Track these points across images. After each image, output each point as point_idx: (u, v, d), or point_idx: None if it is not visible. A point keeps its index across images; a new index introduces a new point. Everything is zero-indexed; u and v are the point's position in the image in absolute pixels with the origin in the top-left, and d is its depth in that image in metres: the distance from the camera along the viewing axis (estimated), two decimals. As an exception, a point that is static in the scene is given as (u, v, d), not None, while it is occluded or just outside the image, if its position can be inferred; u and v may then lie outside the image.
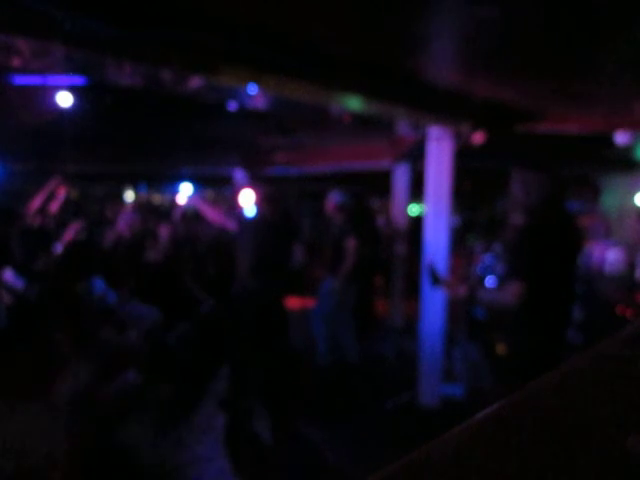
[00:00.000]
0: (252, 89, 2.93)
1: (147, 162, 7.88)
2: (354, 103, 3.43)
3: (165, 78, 2.72)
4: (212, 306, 4.78)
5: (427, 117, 3.98)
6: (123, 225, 4.71)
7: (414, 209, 8.45)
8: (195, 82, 2.79)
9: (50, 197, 4.38)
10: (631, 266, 4.75)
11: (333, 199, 4.95)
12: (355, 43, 2.76)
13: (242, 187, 5.12)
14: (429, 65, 3.25)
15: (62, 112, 3.58)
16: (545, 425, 0.38)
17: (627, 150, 4.74)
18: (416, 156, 5.00)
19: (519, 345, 2.71)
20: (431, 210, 4.18)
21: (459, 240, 6.04)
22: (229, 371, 4.23)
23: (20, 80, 3.04)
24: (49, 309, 2.84)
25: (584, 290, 4.53)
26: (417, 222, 5.17)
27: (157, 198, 12.05)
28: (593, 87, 3.36)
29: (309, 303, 5.79)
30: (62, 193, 4.51)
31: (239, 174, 5.72)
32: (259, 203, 4.26)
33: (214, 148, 6.61)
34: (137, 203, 9.22)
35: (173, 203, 9.74)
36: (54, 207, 4.52)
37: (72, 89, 3.41)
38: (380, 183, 6.89)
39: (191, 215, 6.06)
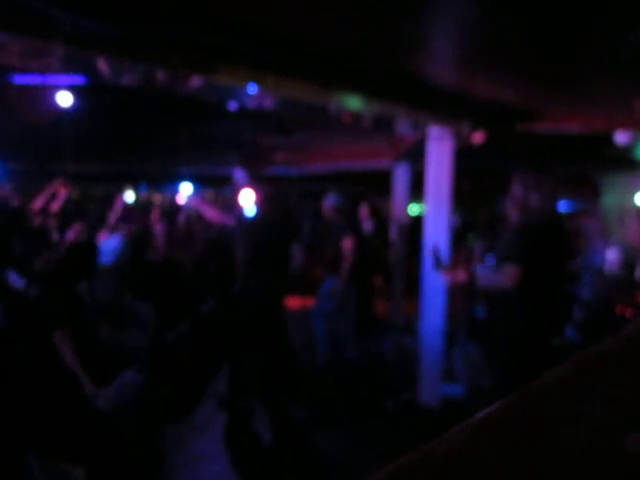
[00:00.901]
0: (252, 89, 2.93)
1: (147, 162, 7.88)
2: (354, 103, 3.43)
3: (165, 78, 2.72)
4: (212, 306, 4.78)
5: (427, 117, 3.98)
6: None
7: (414, 209, 8.45)
8: (195, 82, 2.79)
9: (51, 197, 4.38)
10: (631, 266, 4.75)
11: (329, 201, 4.97)
12: (355, 43, 2.76)
13: (242, 187, 5.12)
14: (429, 65, 3.25)
15: (62, 112, 3.58)
16: (545, 425, 0.38)
17: (627, 150, 4.73)
18: (416, 156, 5.00)
19: (512, 328, 2.83)
20: (431, 210, 4.18)
21: (459, 240, 6.03)
22: (229, 371, 4.22)
23: (20, 80, 3.04)
24: (49, 309, 2.85)
25: (584, 290, 4.52)
26: (417, 222, 5.17)
27: (157, 198, 12.04)
28: (593, 87, 3.36)
29: (309, 303, 5.78)
30: (63, 193, 4.51)
31: (239, 174, 5.72)
32: (259, 203, 4.26)
33: (214, 148, 6.61)
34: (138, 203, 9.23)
35: (173, 203, 9.74)
36: (55, 207, 4.52)
37: (72, 89, 3.41)
38: (380, 183, 6.89)
39: (192, 216, 6.06)
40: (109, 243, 4.27)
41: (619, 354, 0.44)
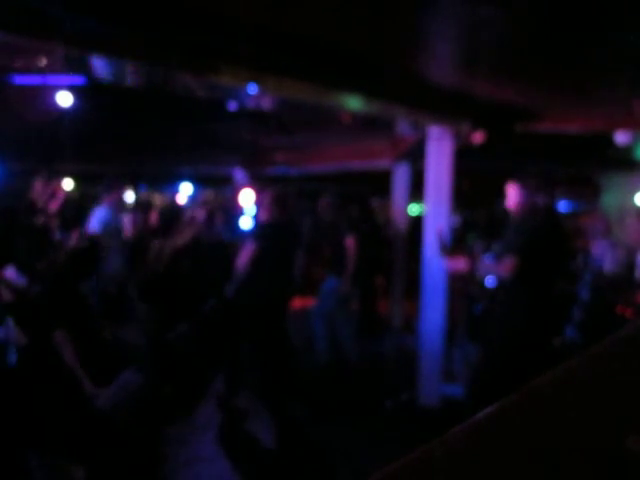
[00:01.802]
0: (252, 89, 2.93)
1: (147, 162, 7.88)
2: (354, 103, 3.43)
3: (165, 78, 2.72)
4: (212, 306, 4.78)
5: (427, 117, 3.98)
6: (128, 225, 4.71)
7: (414, 209, 8.45)
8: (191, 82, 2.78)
9: (50, 197, 4.37)
10: (631, 266, 4.75)
11: (325, 202, 4.97)
12: (355, 43, 2.76)
13: (242, 187, 5.13)
14: (429, 65, 3.25)
15: (62, 112, 3.58)
16: (545, 425, 0.38)
17: (627, 150, 4.74)
18: (416, 156, 5.00)
19: (510, 323, 2.97)
20: (431, 210, 4.18)
21: (459, 240, 6.03)
22: (227, 371, 4.22)
23: (20, 80, 3.04)
24: (50, 308, 2.84)
25: (584, 290, 4.52)
26: (417, 222, 5.17)
27: (157, 198, 12.04)
28: (593, 87, 3.36)
29: (309, 303, 5.79)
30: (62, 193, 4.51)
31: (239, 174, 5.72)
32: (268, 206, 4.25)
33: (214, 148, 6.61)
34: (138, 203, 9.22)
35: (174, 203, 9.73)
36: (54, 207, 4.51)
37: (72, 89, 3.41)
38: (380, 183, 6.89)
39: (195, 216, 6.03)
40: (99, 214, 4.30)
41: (619, 354, 0.44)
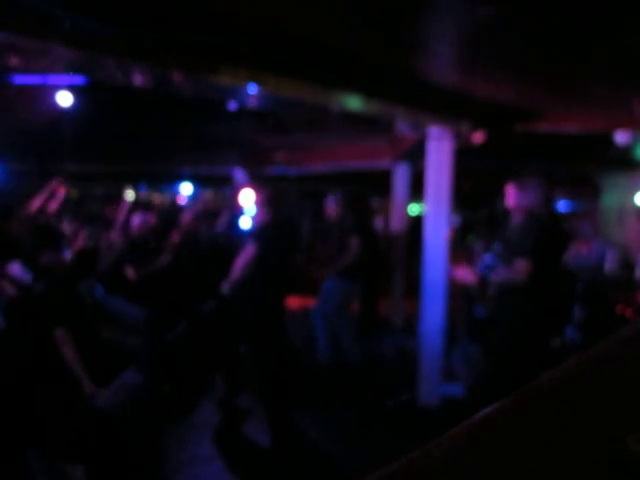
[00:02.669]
0: (252, 89, 2.93)
1: (147, 162, 7.87)
2: (354, 103, 3.43)
3: (166, 78, 2.72)
4: (212, 306, 4.78)
5: (427, 117, 3.98)
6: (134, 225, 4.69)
7: (414, 209, 8.45)
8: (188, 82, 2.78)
9: (50, 197, 4.37)
10: (631, 266, 4.75)
11: (333, 201, 4.98)
12: (355, 43, 2.76)
13: (242, 187, 5.12)
14: (429, 65, 3.25)
15: (62, 112, 3.58)
16: (545, 425, 0.38)
17: (627, 150, 4.73)
18: (416, 156, 5.00)
19: (515, 325, 2.99)
20: (431, 210, 4.18)
21: (459, 240, 6.03)
22: (227, 371, 4.22)
23: (20, 80, 3.04)
24: (53, 306, 2.84)
25: (584, 290, 4.52)
26: (417, 222, 5.17)
27: (157, 198, 12.04)
28: (593, 87, 3.36)
29: (309, 303, 5.79)
30: (62, 193, 4.50)
31: (239, 174, 5.71)
32: (263, 205, 4.25)
33: (214, 148, 6.61)
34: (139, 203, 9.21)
35: (173, 203, 9.73)
36: (53, 207, 4.51)
37: (72, 89, 3.41)
38: (380, 183, 6.89)
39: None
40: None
41: (619, 354, 0.44)
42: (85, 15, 2.19)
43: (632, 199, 6.18)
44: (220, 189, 10.08)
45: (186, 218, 5.33)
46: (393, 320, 6.26)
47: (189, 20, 2.41)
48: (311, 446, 3.49)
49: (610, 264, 4.69)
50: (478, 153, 4.36)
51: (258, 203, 4.30)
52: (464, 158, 4.13)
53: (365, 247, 4.86)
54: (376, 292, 6.21)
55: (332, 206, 5.02)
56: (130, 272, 4.35)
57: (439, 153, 4.11)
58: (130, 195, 10.48)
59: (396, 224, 6.24)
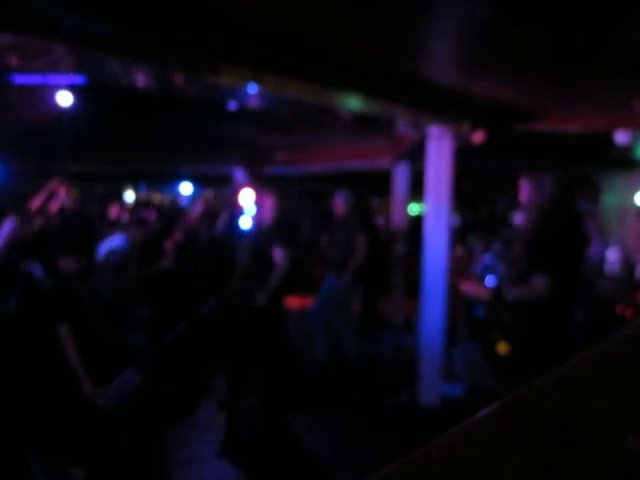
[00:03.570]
0: (252, 88, 2.93)
1: (147, 162, 7.87)
2: (354, 103, 3.43)
3: (166, 78, 2.72)
4: (212, 306, 4.78)
5: (427, 116, 3.98)
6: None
7: (414, 209, 8.45)
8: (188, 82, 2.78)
9: (50, 197, 4.36)
10: (631, 266, 4.75)
11: (342, 198, 4.95)
12: (355, 43, 2.76)
13: (242, 187, 5.12)
14: (429, 65, 3.25)
15: (62, 112, 3.58)
16: (545, 425, 0.38)
17: (627, 149, 4.74)
18: (416, 156, 5.00)
19: (540, 338, 2.70)
20: (431, 210, 4.18)
21: (459, 240, 6.03)
22: (229, 371, 4.22)
23: (20, 80, 3.04)
24: (60, 302, 2.84)
25: (584, 290, 4.52)
26: (417, 222, 5.17)
27: (157, 197, 12.05)
28: (593, 87, 3.36)
29: (309, 302, 5.79)
30: (62, 193, 4.49)
31: (239, 174, 5.72)
32: (270, 208, 4.25)
33: (214, 148, 6.61)
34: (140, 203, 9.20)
35: (173, 202, 9.73)
36: (54, 207, 4.50)
37: (72, 88, 3.41)
38: (380, 183, 6.89)
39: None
40: (113, 241, 4.24)
41: (619, 354, 0.44)
42: (85, 15, 2.19)
43: (632, 199, 6.18)
44: (220, 189, 10.08)
45: (191, 218, 5.30)
46: (393, 319, 6.26)
47: (189, 20, 2.41)
48: (311, 446, 3.49)
49: (610, 264, 4.69)
50: (478, 153, 4.36)
51: (268, 205, 4.29)
52: (464, 158, 4.13)
53: (370, 246, 4.87)
54: (377, 291, 6.21)
55: (341, 204, 4.99)
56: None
57: (439, 153, 4.11)
58: (130, 195, 10.48)
59: (396, 224, 6.24)
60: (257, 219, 4.57)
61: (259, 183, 4.74)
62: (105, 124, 4.93)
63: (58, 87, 3.39)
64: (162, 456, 3.09)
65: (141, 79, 2.68)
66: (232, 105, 3.52)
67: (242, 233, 5.03)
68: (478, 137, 4.06)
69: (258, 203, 4.40)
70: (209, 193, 10.87)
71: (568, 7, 2.13)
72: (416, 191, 5.80)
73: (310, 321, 4.97)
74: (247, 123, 4.66)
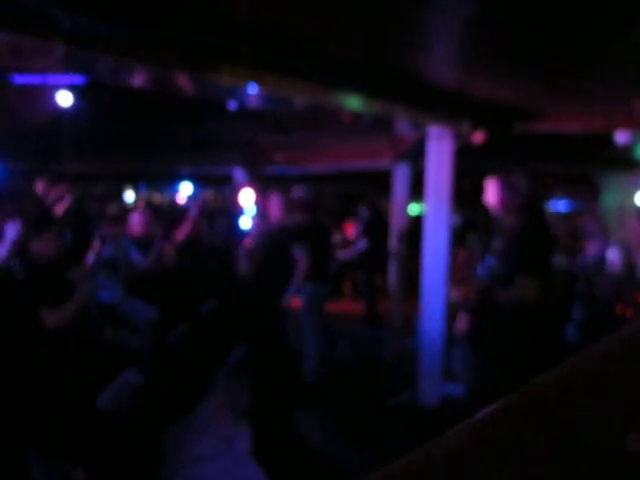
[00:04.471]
0: (252, 88, 2.93)
1: (147, 162, 7.88)
2: (354, 103, 3.43)
3: (166, 78, 2.72)
4: (212, 306, 4.78)
5: (427, 116, 3.98)
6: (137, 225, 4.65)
7: (414, 209, 8.45)
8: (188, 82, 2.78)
9: (57, 201, 4.35)
10: (631, 266, 4.75)
11: (294, 195, 4.58)
12: (355, 43, 2.76)
13: (242, 187, 5.12)
14: (429, 65, 3.25)
15: (62, 112, 3.58)
16: (545, 425, 0.38)
17: (627, 150, 4.74)
18: (416, 156, 5.00)
19: (525, 339, 2.75)
20: (431, 210, 4.18)
21: (459, 240, 6.03)
22: (250, 384, 4.10)
23: (20, 80, 3.04)
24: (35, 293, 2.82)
25: (584, 290, 4.52)
26: (417, 222, 5.16)
27: (157, 197, 12.05)
28: (593, 87, 3.36)
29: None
30: (68, 197, 4.47)
31: (239, 173, 5.72)
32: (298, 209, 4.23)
33: (214, 148, 6.61)
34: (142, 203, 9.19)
35: (173, 202, 9.74)
36: (60, 209, 4.49)
37: (72, 88, 3.40)
38: (380, 183, 6.89)
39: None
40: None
41: (619, 354, 0.44)
42: (85, 15, 2.19)
43: (632, 199, 6.18)
44: (220, 189, 10.09)
45: (190, 218, 5.27)
46: (393, 320, 6.26)
47: (189, 20, 2.41)
48: (311, 446, 3.49)
49: (610, 264, 4.69)
50: (478, 153, 4.36)
51: (274, 205, 4.24)
52: (464, 158, 4.13)
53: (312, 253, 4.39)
54: (375, 291, 6.22)
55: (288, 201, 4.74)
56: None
57: (439, 153, 4.11)
58: (130, 195, 10.49)
59: (396, 224, 6.24)
60: (264, 219, 4.53)
61: (262, 183, 4.73)
62: (105, 124, 4.92)
63: (58, 87, 3.39)
64: (162, 456, 3.09)
65: (141, 79, 2.68)
66: (232, 105, 3.52)
67: (242, 233, 5.03)
68: (478, 137, 4.06)
69: (260, 203, 4.39)
70: (209, 193, 10.87)
71: (568, 7, 2.12)
72: (416, 191, 5.80)
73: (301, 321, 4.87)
74: (247, 123, 4.66)
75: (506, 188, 2.86)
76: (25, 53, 2.26)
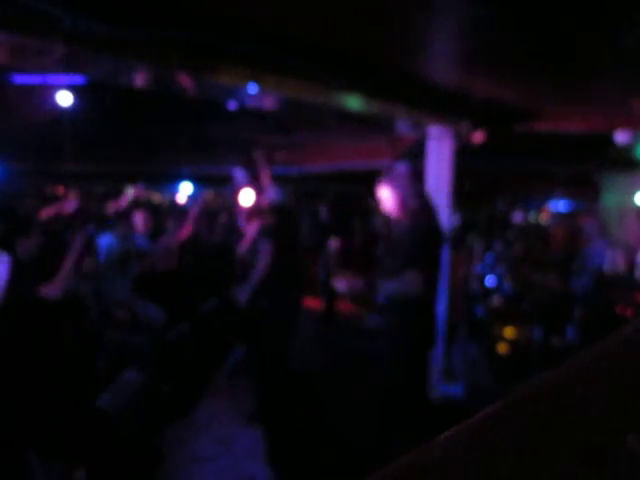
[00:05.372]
0: (252, 88, 2.93)
1: (147, 161, 7.88)
2: (354, 103, 3.43)
3: (166, 78, 2.72)
4: (213, 306, 4.78)
5: (427, 116, 3.98)
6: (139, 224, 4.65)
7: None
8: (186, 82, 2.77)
9: (63, 206, 4.34)
10: (631, 266, 4.75)
11: (268, 195, 4.36)
12: (355, 42, 2.76)
13: (242, 187, 5.11)
14: (429, 64, 3.25)
15: (62, 112, 3.58)
16: (545, 425, 0.38)
17: (627, 150, 4.74)
18: (416, 156, 5.00)
19: (410, 331, 2.84)
20: (431, 210, 4.18)
21: (459, 240, 6.03)
22: (258, 386, 4.06)
23: (20, 80, 3.04)
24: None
25: (584, 290, 4.53)
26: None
27: (157, 197, 12.05)
28: (593, 87, 3.36)
29: (309, 302, 5.78)
30: (74, 202, 4.47)
31: (239, 173, 5.71)
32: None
33: (214, 148, 6.61)
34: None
35: (173, 202, 9.74)
36: (67, 213, 4.49)
37: (72, 88, 3.40)
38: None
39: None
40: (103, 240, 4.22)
41: (619, 354, 0.44)
42: (85, 15, 2.19)
43: (632, 199, 6.18)
44: (220, 189, 10.08)
45: (190, 218, 5.27)
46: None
47: (189, 20, 2.41)
48: (310, 446, 3.49)
49: (611, 264, 4.69)
50: (478, 153, 4.36)
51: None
52: (464, 158, 4.13)
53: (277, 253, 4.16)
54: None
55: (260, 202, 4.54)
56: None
57: (439, 153, 4.11)
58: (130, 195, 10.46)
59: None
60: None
61: (259, 183, 4.72)
62: (105, 124, 4.92)
63: (58, 87, 3.39)
64: (162, 456, 3.09)
65: (141, 79, 2.68)
66: (232, 105, 3.52)
67: (242, 233, 5.02)
68: (478, 137, 4.06)
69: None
70: (209, 193, 10.87)
71: (568, 6, 2.13)
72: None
73: None
74: (247, 123, 4.66)
75: (395, 188, 2.91)
76: (25, 53, 2.26)
